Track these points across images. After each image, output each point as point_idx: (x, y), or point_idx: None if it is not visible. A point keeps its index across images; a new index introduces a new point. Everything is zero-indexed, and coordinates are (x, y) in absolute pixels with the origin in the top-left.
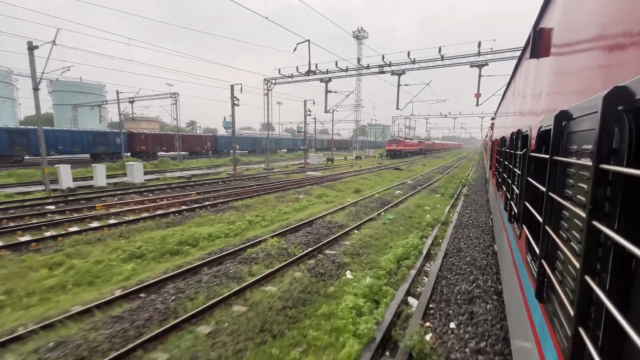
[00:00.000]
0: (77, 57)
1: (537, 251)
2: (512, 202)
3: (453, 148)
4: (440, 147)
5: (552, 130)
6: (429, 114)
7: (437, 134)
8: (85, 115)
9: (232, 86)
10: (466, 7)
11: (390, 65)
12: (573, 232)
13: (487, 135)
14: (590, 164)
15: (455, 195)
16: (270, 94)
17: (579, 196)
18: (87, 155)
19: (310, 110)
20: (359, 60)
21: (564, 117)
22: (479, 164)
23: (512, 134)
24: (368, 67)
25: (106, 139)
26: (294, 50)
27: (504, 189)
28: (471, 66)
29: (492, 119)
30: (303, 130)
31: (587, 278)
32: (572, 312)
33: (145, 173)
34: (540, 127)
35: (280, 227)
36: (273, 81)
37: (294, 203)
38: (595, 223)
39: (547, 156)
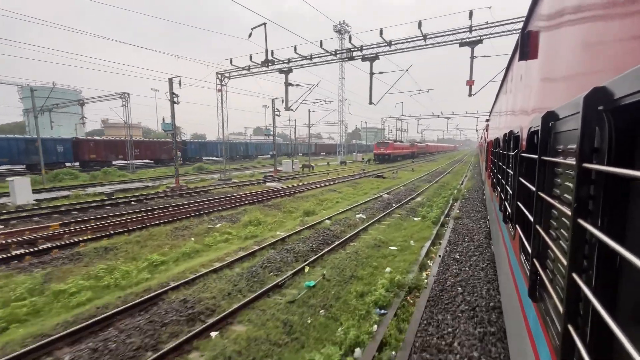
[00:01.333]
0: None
1: (530, 250)
2: (506, 203)
3: (448, 150)
4: (435, 150)
5: (539, 130)
6: (420, 115)
7: (432, 136)
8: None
9: (170, 80)
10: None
11: (361, 49)
12: (561, 230)
13: (482, 137)
14: (574, 163)
15: (442, 219)
16: (224, 90)
17: (566, 195)
18: (24, 167)
19: (278, 110)
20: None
21: (550, 118)
22: (474, 168)
23: (505, 135)
24: (335, 54)
25: (44, 147)
26: (249, 36)
27: (499, 189)
28: (461, 45)
29: (487, 120)
30: (272, 133)
31: (575, 276)
32: (561, 310)
33: (62, 188)
34: (530, 128)
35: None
36: (227, 75)
37: (184, 244)
38: (580, 221)
39: (536, 156)
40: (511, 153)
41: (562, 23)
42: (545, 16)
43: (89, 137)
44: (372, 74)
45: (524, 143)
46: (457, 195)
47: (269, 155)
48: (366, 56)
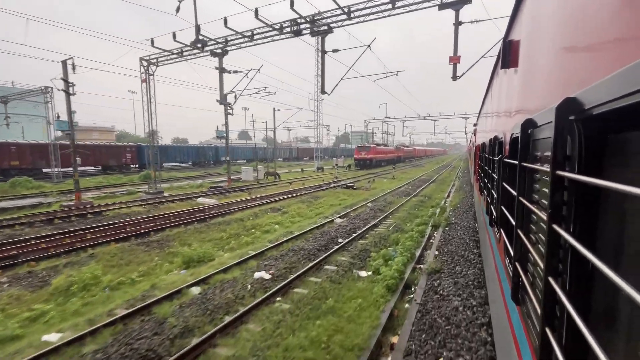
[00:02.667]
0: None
1: (512, 254)
2: (492, 207)
3: (437, 154)
4: (423, 154)
5: (519, 137)
6: (405, 116)
7: (421, 139)
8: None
9: (63, 62)
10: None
11: (312, 22)
12: (540, 235)
13: (470, 141)
14: (549, 170)
15: (407, 274)
16: (151, 80)
17: (543, 200)
18: None
19: (232, 108)
20: (256, 12)
21: (529, 125)
22: (464, 174)
23: (490, 140)
24: (281, 30)
25: None
26: (177, 11)
27: (485, 193)
28: (441, 8)
29: (475, 124)
30: (225, 134)
31: (551, 279)
32: (540, 313)
33: None
34: (512, 134)
35: None
36: (154, 61)
37: None
38: (555, 226)
39: (517, 162)
40: (496, 158)
41: (539, 34)
42: (524, 26)
43: (10, 141)
44: (324, 52)
45: (507, 148)
46: (438, 220)
47: (245, 161)
48: (315, 30)
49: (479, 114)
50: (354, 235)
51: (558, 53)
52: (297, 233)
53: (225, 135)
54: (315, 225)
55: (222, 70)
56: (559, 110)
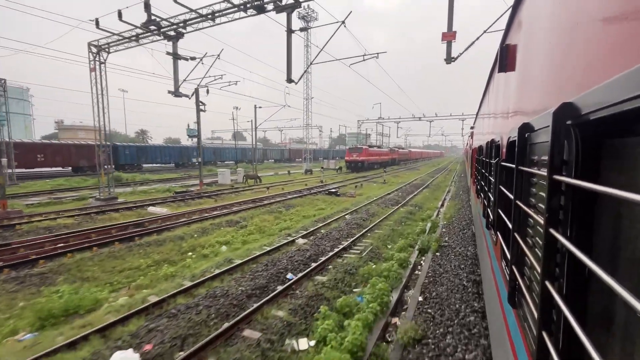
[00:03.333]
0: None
1: (509, 257)
2: (488, 210)
3: (433, 157)
4: (419, 157)
5: (516, 141)
6: (400, 117)
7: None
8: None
9: None
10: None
11: None
12: (537, 239)
13: (467, 144)
14: (546, 174)
15: (370, 351)
16: (102, 69)
17: (540, 204)
18: None
19: (203, 103)
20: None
21: (526, 129)
22: (460, 179)
23: (487, 143)
24: (245, 7)
25: None
26: None
27: (482, 196)
28: None
29: (471, 127)
30: (197, 132)
31: (547, 283)
32: (536, 317)
33: None
34: (509, 138)
35: None
36: (105, 47)
37: None
38: (551, 231)
39: (514, 166)
40: (493, 161)
41: (536, 38)
42: (521, 31)
43: None
44: (290, 31)
45: (504, 151)
46: (427, 242)
47: (234, 162)
48: (280, 5)
49: (476, 117)
50: (313, 266)
51: (554, 58)
52: (238, 262)
53: (196, 134)
54: (269, 249)
55: (176, 56)
56: (556, 115)
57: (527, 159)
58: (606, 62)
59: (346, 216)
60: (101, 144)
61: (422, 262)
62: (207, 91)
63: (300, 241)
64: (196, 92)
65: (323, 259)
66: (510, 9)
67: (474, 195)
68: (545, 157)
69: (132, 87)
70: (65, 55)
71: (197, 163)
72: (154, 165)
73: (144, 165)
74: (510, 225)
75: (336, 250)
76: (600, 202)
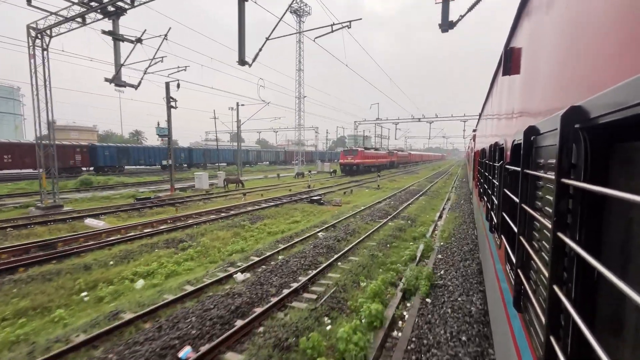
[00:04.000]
0: None
1: (514, 261)
2: (492, 213)
3: (434, 160)
4: (419, 159)
5: (522, 144)
6: (398, 118)
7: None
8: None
9: None
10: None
11: None
12: (543, 242)
13: (469, 147)
14: (554, 177)
15: None
16: (43, 56)
17: (547, 208)
18: None
19: (174, 99)
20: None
21: (532, 132)
22: (462, 184)
23: (491, 146)
24: None
25: None
26: None
27: (485, 199)
28: None
29: (474, 130)
30: (168, 131)
31: (555, 288)
32: (544, 321)
33: None
34: (514, 141)
35: None
36: (48, 30)
37: None
38: (559, 234)
39: (519, 169)
40: (496, 164)
41: (541, 42)
42: (525, 35)
43: None
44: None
45: (508, 154)
46: (414, 279)
47: (226, 164)
48: None
49: (479, 119)
50: (235, 327)
51: (561, 60)
52: (129, 317)
53: (167, 133)
54: (191, 289)
55: (115, 36)
56: (564, 118)
57: (533, 162)
58: (614, 64)
59: (320, 233)
60: (40, 142)
61: (404, 314)
62: (178, 85)
63: (239, 277)
64: (167, 87)
65: (257, 311)
66: (515, 12)
67: (477, 198)
68: (552, 160)
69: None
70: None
71: (182, 164)
72: (140, 167)
73: (127, 167)
74: (515, 229)
75: (284, 293)
76: (610, 206)
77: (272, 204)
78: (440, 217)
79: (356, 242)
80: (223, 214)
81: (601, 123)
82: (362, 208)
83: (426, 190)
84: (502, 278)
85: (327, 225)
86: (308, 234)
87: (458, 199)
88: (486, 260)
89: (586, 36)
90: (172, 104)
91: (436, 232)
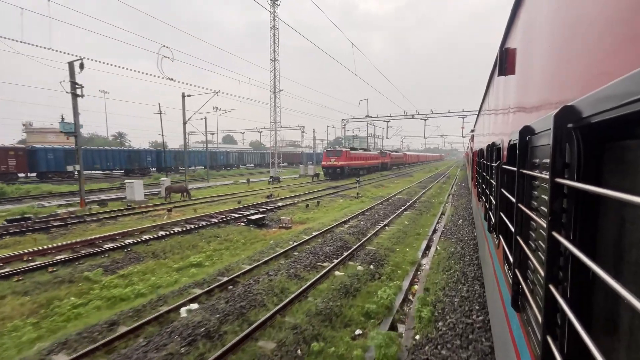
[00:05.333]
0: None
1: (512, 260)
2: (490, 212)
3: (432, 160)
4: (416, 160)
5: (517, 144)
6: (390, 115)
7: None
8: None
9: None
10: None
11: None
12: (539, 242)
13: (468, 147)
14: (548, 177)
15: None
16: None
17: (542, 208)
18: None
19: (79, 85)
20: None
21: (527, 132)
22: (461, 190)
23: (488, 146)
24: None
25: None
26: None
27: (484, 199)
28: None
29: (472, 130)
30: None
31: (551, 287)
32: (541, 321)
33: None
34: (510, 141)
35: None
36: None
37: None
38: (554, 234)
39: (516, 169)
40: (493, 164)
41: (536, 41)
42: (520, 35)
43: None
44: None
45: (505, 154)
46: None
47: (203, 167)
48: None
49: (476, 119)
50: None
51: (555, 61)
52: None
53: (73, 130)
54: None
55: None
56: (557, 118)
57: (529, 162)
58: (607, 64)
59: (188, 307)
60: None
61: None
62: (81, 65)
63: None
64: (70, 68)
65: None
66: (510, 12)
67: (475, 198)
68: (547, 160)
69: (112, 88)
70: None
71: (149, 169)
72: (98, 172)
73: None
74: (512, 229)
75: None
76: (603, 205)
77: (194, 226)
78: (426, 251)
79: (246, 332)
80: (88, 251)
81: (594, 122)
82: (314, 234)
83: (415, 200)
84: (500, 277)
85: (223, 281)
86: (171, 306)
87: (455, 216)
88: (485, 259)
89: (580, 36)
90: (78, 91)
91: (414, 294)
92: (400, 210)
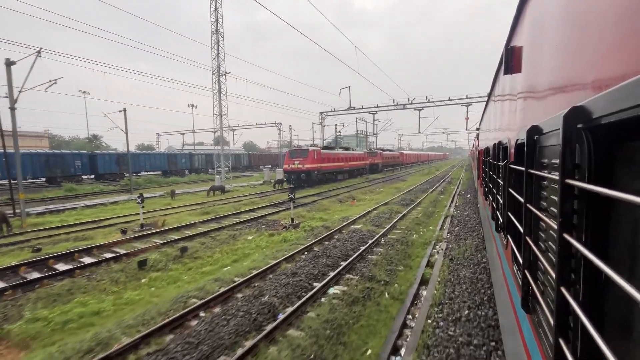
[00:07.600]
0: None
1: (521, 261)
2: (497, 212)
3: (435, 160)
4: (415, 160)
5: (525, 144)
6: (377, 105)
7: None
8: None
9: None
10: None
11: None
12: (549, 243)
13: (473, 145)
14: (558, 178)
15: None
16: None
17: (552, 208)
18: None
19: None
20: None
21: (535, 132)
22: (467, 202)
23: (494, 145)
24: None
25: None
26: None
27: (490, 198)
28: None
29: (477, 129)
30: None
31: (563, 289)
32: (552, 323)
33: None
34: (517, 140)
35: None
36: None
37: None
38: (565, 235)
39: (524, 169)
40: (500, 163)
41: (542, 40)
42: (526, 33)
43: None
44: None
45: (512, 152)
46: None
47: (159, 173)
48: None
49: (482, 117)
50: None
51: (562, 59)
52: None
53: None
54: None
55: None
56: (566, 119)
57: (537, 162)
58: (617, 64)
59: None
60: None
61: None
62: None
63: None
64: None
65: None
66: (515, 10)
67: (482, 197)
68: (556, 160)
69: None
70: None
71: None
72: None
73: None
74: (521, 229)
75: None
76: (615, 207)
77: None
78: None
79: None
80: None
81: (604, 123)
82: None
83: (395, 223)
84: (509, 278)
85: None
86: None
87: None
88: (493, 259)
89: (590, 34)
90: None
91: None
92: (366, 246)
